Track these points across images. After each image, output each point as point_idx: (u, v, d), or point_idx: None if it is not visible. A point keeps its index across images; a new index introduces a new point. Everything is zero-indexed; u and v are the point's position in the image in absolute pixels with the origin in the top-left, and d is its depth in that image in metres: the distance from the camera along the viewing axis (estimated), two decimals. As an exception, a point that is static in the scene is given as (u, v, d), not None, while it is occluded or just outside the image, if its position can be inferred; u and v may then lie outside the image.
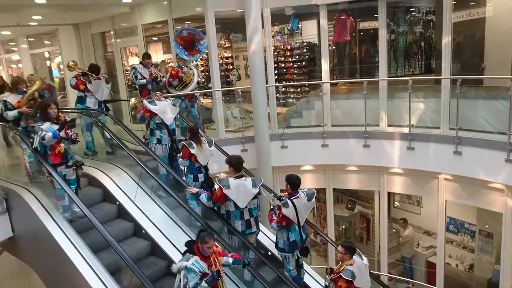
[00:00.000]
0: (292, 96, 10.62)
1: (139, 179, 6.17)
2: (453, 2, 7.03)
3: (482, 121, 7.21)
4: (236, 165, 5.21)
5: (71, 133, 5.32)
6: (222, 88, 9.04)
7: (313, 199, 5.25)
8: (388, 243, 8.80)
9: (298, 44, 10.83)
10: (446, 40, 7.18)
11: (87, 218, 4.89)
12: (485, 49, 7.85)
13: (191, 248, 4.24)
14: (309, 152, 8.54)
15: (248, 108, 8.79)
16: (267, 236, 6.17)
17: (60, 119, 5.37)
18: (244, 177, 5.20)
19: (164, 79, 8.00)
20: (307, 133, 8.62)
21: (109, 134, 6.71)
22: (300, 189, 5.28)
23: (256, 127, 8.22)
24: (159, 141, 6.31)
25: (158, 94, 6.38)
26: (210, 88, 8.89)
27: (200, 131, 6.17)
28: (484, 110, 7.35)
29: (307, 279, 5.81)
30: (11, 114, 5.93)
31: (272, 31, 8.89)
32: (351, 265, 4.49)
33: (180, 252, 4.99)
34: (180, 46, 7.96)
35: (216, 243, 4.37)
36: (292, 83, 10.71)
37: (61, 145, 5.30)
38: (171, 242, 5.52)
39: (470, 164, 6.89)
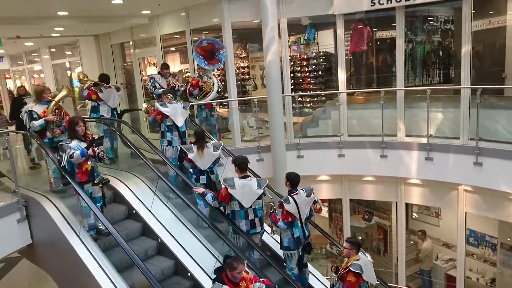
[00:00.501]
0: (308, 105, 10.60)
1: (155, 188, 6.23)
2: (472, 11, 6.94)
3: (504, 131, 7.06)
4: (240, 165, 5.32)
5: (98, 151, 5.32)
6: (238, 97, 9.08)
7: (312, 195, 5.39)
8: (406, 255, 8.64)
9: (314, 53, 10.83)
10: (466, 49, 7.08)
11: (113, 236, 4.85)
12: (506, 58, 7.72)
13: (220, 276, 4.08)
14: (325, 162, 8.49)
15: (264, 117, 8.80)
16: (272, 237, 6.19)
17: (88, 137, 5.37)
18: (249, 178, 5.32)
19: (182, 88, 8.08)
20: (324, 143, 8.57)
21: (128, 143, 6.79)
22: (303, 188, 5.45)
23: (272, 136, 8.22)
24: (169, 143, 6.50)
25: (169, 97, 6.53)
26: (226, 97, 8.95)
27: (205, 135, 6.42)
28: (505, 120, 7.19)
29: (312, 280, 5.80)
30: (37, 123, 5.88)
31: (288, 41, 8.91)
32: (358, 260, 4.64)
33: (206, 274, 5.11)
34: (200, 56, 8.07)
35: (246, 268, 4.21)
36: (308, 92, 10.69)
37: (89, 162, 5.30)
38: (195, 261, 5.44)
39: (491, 175, 6.74)
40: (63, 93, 6.30)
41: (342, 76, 8.43)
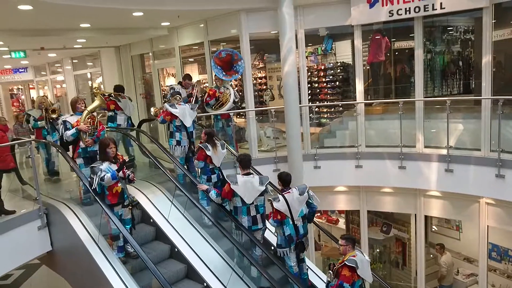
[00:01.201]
0: (325, 116, 10.56)
1: (184, 209, 6.28)
2: (493, 21, 6.86)
3: (527, 143, 6.90)
4: (242, 162, 5.52)
5: (128, 172, 5.23)
6: (255, 108, 9.13)
7: (306, 193, 5.38)
8: (426, 269, 8.45)
9: (331, 64, 10.83)
10: (486, 59, 6.98)
11: (142, 259, 4.81)
12: (528, 69, 7.57)
13: None
14: (342, 173, 8.43)
15: (281, 128, 8.81)
16: (275, 235, 6.12)
17: (119, 159, 5.28)
18: (252, 175, 5.47)
19: (199, 101, 8.14)
20: (341, 153, 8.52)
21: (146, 152, 6.88)
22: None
23: (289, 147, 8.21)
24: (178, 142, 6.73)
25: (178, 98, 6.82)
26: (243, 107, 9.02)
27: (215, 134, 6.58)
28: (528, 132, 7.04)
29: (313, 278, 5.86)
30: (69, 133, 5.85)
31: (306, 51, 8.95)
32: (354, 256, 4.70)
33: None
34: (218, 67, 8.17)
35: None
36: (325, 103, 10.67)
37: (119, 184, 5.23)
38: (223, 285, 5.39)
39: (514, 188, 6.58)
40: (96, 102, 6.28)
41: (359, 86, 8.40)
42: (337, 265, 4.79)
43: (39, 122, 7.31)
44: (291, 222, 5.27)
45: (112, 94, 7.79)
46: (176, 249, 5.78)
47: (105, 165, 5.12)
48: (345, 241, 4.83)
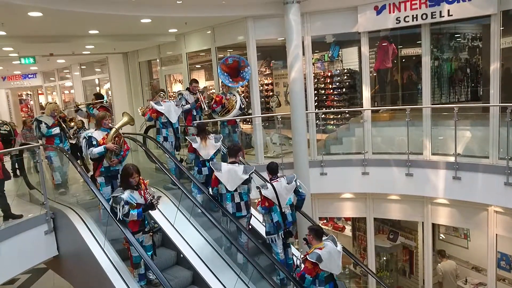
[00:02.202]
0: (332, 122, 10.54)
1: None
2: (501, 28, 6.83)
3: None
4: (230, 150, 5.84)
5: (150, 197, 4.95)
6: (262, 114, 9.14)
7: (294, 182, 5.58)
8: (433, 277, 8.36)
9: (338, 71, 10.82)
10: (494, 67, 6.94)
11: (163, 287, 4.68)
12: (537, 76, 7.50)
13: None
14: (349, 180, 8.39)
15: (288, 134, 8.80)
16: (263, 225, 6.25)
17: (141, 184, 4.95)
18: (237, 164, 5.69)
19: (206, 110, 8.16)
20: (347, 160, 8.49)
21: (154, 159, 6.89)
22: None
23: (295, 153, 8.20)
24: (165, 138, 7.02)
25: (162, 95, 7.24)
26: (250, 114, 9.03)
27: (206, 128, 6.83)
28: (538, 140, 6.96)
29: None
30: (97, 150, 5.49)
31: (312, 58, 8.97)
32: (321, 248, 4.69)
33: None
34: (225, 73, 8.20)
35: None
36: (332, 109, 10.65)
37: None
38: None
39: (523, 196, 6.50)
40: (124, 120, 5.83)
41: (366, 93, 8.39)
42: (304, 256, 4.84)
43: (52, 130, 6.98)
44: (278, 210, 5.46)
45: (91, 102, 7.97)
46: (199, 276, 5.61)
47: (126, 194, 4.80)
48: (309, 231, 4.91)
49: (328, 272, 4.75)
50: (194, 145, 6.24)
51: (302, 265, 4.84)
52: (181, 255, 5.80)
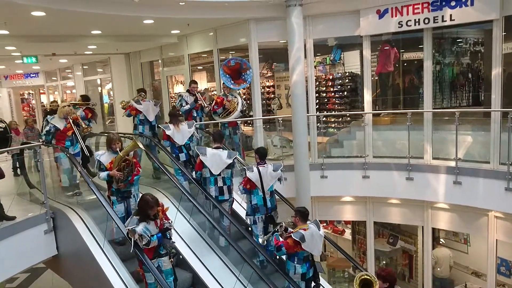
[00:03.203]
0: (333, 125, 10.54)
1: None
2: (503, 33, 6.83)
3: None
4: (215, 137, 6.13)
5: (166, 223, 4.77)
6: (263, 116, 9.15)
7: (279, 171, 5.85)
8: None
9: (340, 74, 10.83)
10: (496, 72, 6.94)
11: None
12: (539, 81, 7.50)
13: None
14: (349, 183, 8.38)
15: (289, 136, 8.80)
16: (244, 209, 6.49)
17: (158, 213, 4.71)
18: (221, 149, 5.93)
19: (207, 109, 8.18)
20: (348, 163, 8.48)
21: (156, 162, 6.90)
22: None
23: (296, 156, 8.20)
24: (141, 134, 7.42)
25: (142, 95, 7.67)
26: (251, 116, 9.03)
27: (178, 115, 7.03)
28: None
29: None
30: (102, 175, 5.42)
31: (314, 61, 8.97)
32: (305, 229, 4.90)
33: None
34: (227, 75, 8.21)
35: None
36: (333, 113, 10.66)
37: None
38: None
39: (524, 202, 6.49)
40: (130, 146, 5.52)
41: (367, 96, 8.39)
42: (287, 234, 5.01)
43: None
44: (260, 193, 5.67)
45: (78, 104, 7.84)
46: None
47: (141, 227, 4.52)
48: (294, 213, 5.14)
49: (308, 252, 4.97)
50: (168, 132, 6.42)
51: (280, 238, 5.05)
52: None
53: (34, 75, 18.04)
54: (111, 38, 9.76)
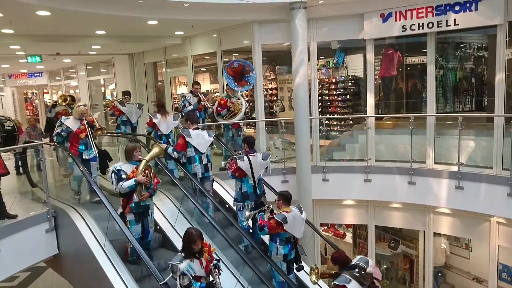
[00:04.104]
0: (335, 129, 10.54)
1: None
2: (507, 38, 6.82)
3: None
4: (191, 118, 6.44)
5: (211, 267, 4.39)
6: (265, 118, 9.15)
7: (268, 160, 6.06)
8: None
9: (343, 77, 10.84)
10: (500, 77, 6.93)
11: None
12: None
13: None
14: (351, 187, 8.37)
15: (291, 139, 8.80)
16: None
17: (207, 265, 4.34)
18: (200, 129, 6.39)
19: (210, 109, 8.20)
20: (350, 167, 8.47)
21: (156, 160, 6.90)
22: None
23: (298, 158, 8.19)
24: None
25: (127, 98, 8.13)
26: (254, 118, 9.03)
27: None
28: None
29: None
30: (127, 184, 5.09)
31: (317, 64, 8.98)
32: (287, 212, 5.14)
33: None
34: (230, 77, 8.22)
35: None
36: (336, 116, 10.66)
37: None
38: None
39: (526, 208, 6.47)
40: (154, 151, 5.49)
41: (370, 100, 8.38)
42: (270, 215, 5.23)
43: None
44: (250, 181, 5.89)
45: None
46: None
47: (184, 264, 4.16)
48: (278, 197, 5.36)
49: (290, 234, 5.19)
50: (154, 120, 6.89)
51: (265, 219, 5.25)
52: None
53: (38, 74, 18.12)
54: (115, 38, 9.79)
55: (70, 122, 6.24)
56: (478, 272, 8.64)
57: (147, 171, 5.26)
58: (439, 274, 8.99)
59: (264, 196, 6.17)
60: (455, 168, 7.32)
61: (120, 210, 5.27)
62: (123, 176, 5.15)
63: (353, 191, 8.42)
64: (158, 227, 6.08)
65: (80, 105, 6.39)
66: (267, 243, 5.58)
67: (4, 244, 5.47)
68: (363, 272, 4.41)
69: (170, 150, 6.25)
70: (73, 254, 6.10)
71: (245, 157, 5.85)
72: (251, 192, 5.92)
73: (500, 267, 7.61)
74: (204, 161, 6.25)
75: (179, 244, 5.30)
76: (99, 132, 6.38)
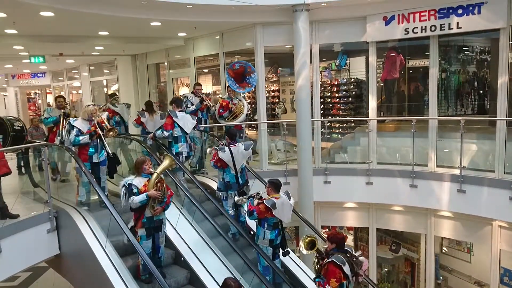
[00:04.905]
0: (337, 131, 10.54)
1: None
2: (510, 42, 6.81)
3: (542, 166, 6.78)
4: (176, 102, 6.99)
5: None
6: (267, 120, 9.15)
7: (250, 150, 6.28)
8: None
9: (345, 80, 10.84)
10: (502, 80, 6.92)
11: None
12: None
13: None
14: (352, 189, 8.36)
15: (293, 141, 8.80)
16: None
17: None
18: (184, 112, 6.98)
19: (214, 109, 8.21)
20: (351, 169, 8.47)
21: (157, 161, 6.91)
22: None
23: (300, 160, 8.19)
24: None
25: (117, 98, 8.56)
26: (255, 120, 9.03)
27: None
28: (544, 155, 6.92)
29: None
30: (138, 199, 4.90)
31: (320, 66, 8.98)
32: (277, 198, 5.33)
33: None
34: (232, 78, 8.24)
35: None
36: (337, 118, 10.65)
37: None
38: None
39: (528, 212, 6.45)
40: (166, 163, 5.22)
41: (372, 103, 8.38)
42: (260, 200, 5.42)
43: (80, 137, 5.91)
44: (232, 172, 6.12)
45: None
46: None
47: None
48: (268, 184, 5.54)
49: (278, 219, 5.37)
50: (142, 119, 7.56)
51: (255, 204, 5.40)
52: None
53: (41, 75, 18.17)
54: (118, 39, 9.82)
55: (79, 123, 5.99)
56: (479, 276, 8.61)
57: (159, 184, 5.06)
58: (441, 277, 8.97)
59: (247, 185, 6.40)
60: (457, 172, 7.31)
61: (131, 224, 5.13)
62: (134, 190, 4.96)
63: (354, 193, 8.41)
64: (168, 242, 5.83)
65: (89, 105, 6.10)
66: (254, 230, 5.79)
67: (6, 244, 5.48)
68: (355, 259, 4.65)
69: (158, 132, 6.76)
70: (74, 255, 6.10)
71: (227, 148, 6.05)
72: (234, 182, 6.15)
73: (501, 271, 7.58)
74: (189, 141, 6.85)
75: (192, 261, 5.57)
76: (111, 133, 6.11)
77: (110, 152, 6.17)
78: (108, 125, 6.15)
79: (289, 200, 5.46)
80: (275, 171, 8.50)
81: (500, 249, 7.24)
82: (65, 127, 6.21)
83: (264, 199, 5.39)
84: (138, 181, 5.05)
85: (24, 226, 5.76)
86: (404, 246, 9.65)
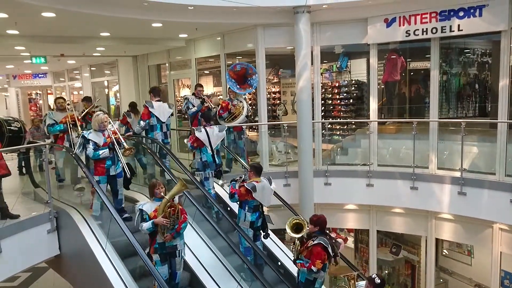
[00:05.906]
0: (338, 133, 10.53)
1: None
2: (511, 45, 6.81)
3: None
4: (153, 91, 7.47)
5: None
6: (268, 122, 9.15)
7: (224, 132, 6.74)
8: None
9: (346, 81, 10.83)
10: (503, 83, 6.92)
11: None
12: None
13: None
14: (353, 191, 8.35)
15: (293, 143, 8.80)
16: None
17: None
18: (161, 101, 7.36)
19: (214, 109, 8.21)
20: (352, 171, 8.46)
21: (158, 161, 6.93)
22: None
23: (300, 162, 8.18)
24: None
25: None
26: (256, 121, 9.04)
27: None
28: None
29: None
30: (145, 226, 4.73)
31: (320, 68, 8.99)
32: (257, 182, 5.59)
33: None
34: (233, 80, 8.24)
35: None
36: (338, 120, 10.65)
37: None
38: None
39: (529, 214, 6.44)
40: (176, 188, 4.93)
41: (373, 105, 8.38)
42: (243, 182, 5.65)
43: (100, 151, 5.67)
44: (209, 151, 6.53)
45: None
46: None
47: None
48: (250, 168, 5.84)
49: (258, 202, 5.61)
50: (128, 120, 7.98)
51: (236, 187, 5.64)
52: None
53: (42, 75, 18.18)
54: (120, 40, 9.83)
55: (94, 136, 5.69)
56: (480, 278, 8.60)
57: (169, 210, 4.83)
58: (441, 280, 8.96)
59: (221, 165, 6.90)
60: (457, 174, 7.30)
61: (148, 249, 4.99)
62: (145, 216, 4.81)
63: (355, 195, 8.40)
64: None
65: (99, 114, 5.80)
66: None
67: (6, 244, 5.49)
68: (334, 241, 4.96)
69: (137, 128, 7.24)
70: (74, 255, 6.10)
71: (203, 129, 6.52)
72: (211, 161, 6.56)
73: (502, 274, 7.56)
74: (164, 129, 7.30)
75: (209, 283, 5.48)
76: (127, 152, 5.83)
77: (128, 172, 5.92)
78: (126, 144, 5.86)
79: (270, 185, 5.74)
80: (275, 173, 8.49)
81: (500, 252, 7.23)
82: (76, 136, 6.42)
83: (246, 181, 5.65)
84: (149, 206, 4.88)
85: (25, 227, 5.77)
86: (405, 249, 9.64)
